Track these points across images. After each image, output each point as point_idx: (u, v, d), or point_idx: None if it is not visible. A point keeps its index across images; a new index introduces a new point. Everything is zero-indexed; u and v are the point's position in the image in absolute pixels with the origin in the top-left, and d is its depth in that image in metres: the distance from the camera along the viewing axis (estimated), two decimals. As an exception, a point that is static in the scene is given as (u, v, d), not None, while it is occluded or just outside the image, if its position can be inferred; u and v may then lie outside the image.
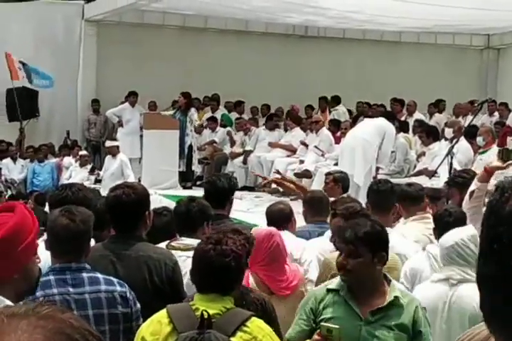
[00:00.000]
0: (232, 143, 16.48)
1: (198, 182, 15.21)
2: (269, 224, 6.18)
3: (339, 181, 8.54)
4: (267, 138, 15.69)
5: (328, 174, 8.93)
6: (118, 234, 4.66)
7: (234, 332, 3.43)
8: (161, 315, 3.58)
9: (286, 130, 16.09)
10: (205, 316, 3.38)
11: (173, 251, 4.97)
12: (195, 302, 3.59)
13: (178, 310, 3.59)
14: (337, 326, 3.80)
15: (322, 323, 3.91)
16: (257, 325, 3.53)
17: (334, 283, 4.16)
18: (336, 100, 17.24)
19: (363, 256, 4.02)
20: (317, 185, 12.46)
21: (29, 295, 3.17)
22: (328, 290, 4.13)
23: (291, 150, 15.08)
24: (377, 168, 11.93)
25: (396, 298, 4.02)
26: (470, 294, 4.42)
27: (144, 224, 4.63)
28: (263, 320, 3.64)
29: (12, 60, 17.46)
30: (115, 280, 4.02)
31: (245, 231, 3.97)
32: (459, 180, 7.06)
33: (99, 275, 3.96)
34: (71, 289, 3.86)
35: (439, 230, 5.33)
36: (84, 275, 3.90)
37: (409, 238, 6.16)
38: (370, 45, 20.61)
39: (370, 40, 20.77)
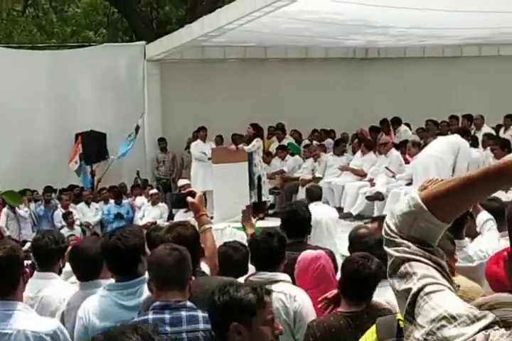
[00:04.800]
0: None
1: (270, 212, 15.19)
2: (350, 248, 6.13)
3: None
4: (335, 163, 15.63)
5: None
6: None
7: None
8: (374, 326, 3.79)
9: (354, 152, 16.04)
10: (402, 325, 3.50)
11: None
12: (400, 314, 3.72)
13: (383, 321, 3.74)
14: None
15: None
16: None
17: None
18: (397, 121, 17.09)
19: None
20: (390, 207, 12.35)
21: None
22: None
23: (361, 175, 14.97)
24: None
25: None
26: None
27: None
28: None
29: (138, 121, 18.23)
30: None
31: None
32: None
33: (199, 314, 3.88)
34: (168, 328, 3.82)
35: None
36: (183, 313, 3.84)
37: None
38: (431, 62, 20.46)
39: (431, 58, 20.63)
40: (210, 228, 5.11)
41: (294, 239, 6.12)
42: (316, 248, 6.14)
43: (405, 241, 1.90)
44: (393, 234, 1.92)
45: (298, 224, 6.43)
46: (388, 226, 1.94)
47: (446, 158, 11.58)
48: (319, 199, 10.14)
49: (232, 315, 3.38)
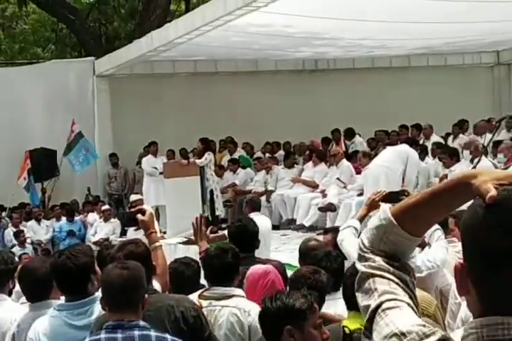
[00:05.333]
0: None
1: (223, 225, 15.18)
2: (300, 260, 6.15)
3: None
4: (286, 176, 15.67)
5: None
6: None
7: None
8: None
9: (304, 164, 16.12)
10: (347, 331, 3.76)
11: (206, 301, 4.96)
12: (345, 321, 3.96)
13: (329, 328, 3.90)
14: None
15: None
16: None
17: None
18: (350, 132, 17.15)
19: None
20: (342, 217, 12.41)
21: None
22: None
23: (313, 186, 15.00)
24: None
25: None
26: None
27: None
28: None
29: (73, 128, 17.90)
30: (169, 337, 3.93)
31: None
32: None
33: (152, 333, 3.87)
34: None
35: None
36: (136, 333, 3.82)
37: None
38: (380, 73, 20.63)
39: (380, 68, 20.80)
40: (161, 245, 5.09)
41: (245, 254, 6.10)
42: (266, 261, 6.14)
43: (373, 256, 1.91)
44: (365, 250, 1.93)
45: (247, 239, 6.43)
46: (362, 242, 1.96)
47: (396, 168, 11.66)
48: (259, 210, 10.24)
49: (285, 320, 3.63)
